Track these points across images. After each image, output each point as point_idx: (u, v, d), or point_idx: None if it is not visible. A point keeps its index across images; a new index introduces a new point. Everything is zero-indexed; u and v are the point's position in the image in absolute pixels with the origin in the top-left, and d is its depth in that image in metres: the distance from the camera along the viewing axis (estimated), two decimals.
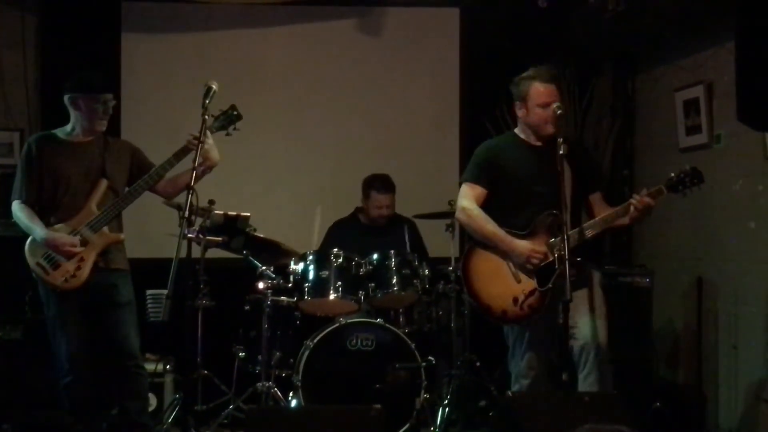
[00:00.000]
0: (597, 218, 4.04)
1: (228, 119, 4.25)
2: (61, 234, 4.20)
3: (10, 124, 5.83)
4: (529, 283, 4.00)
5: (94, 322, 4.33)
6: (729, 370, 4.90)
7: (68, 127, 4.40)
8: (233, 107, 4.27)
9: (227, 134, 4.25)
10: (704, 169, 5.04)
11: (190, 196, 3.79)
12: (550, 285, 3.95)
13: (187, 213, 3.73)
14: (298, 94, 6.08)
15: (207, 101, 3.94)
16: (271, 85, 6.07)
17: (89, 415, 4.34)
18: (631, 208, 3.93)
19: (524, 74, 4.13)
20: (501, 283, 4.03)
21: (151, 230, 4.56)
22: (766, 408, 4.58)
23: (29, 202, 4.29)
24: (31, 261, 4.24)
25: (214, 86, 3.97)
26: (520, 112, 4.12)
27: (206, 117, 3.92)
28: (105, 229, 4.26)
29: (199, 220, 4.34)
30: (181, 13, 5.99)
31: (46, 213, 4.28)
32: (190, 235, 3.75)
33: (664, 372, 5.47)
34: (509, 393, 4.04)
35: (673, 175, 3.93)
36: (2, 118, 5.83)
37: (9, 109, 5.83)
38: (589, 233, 3.98)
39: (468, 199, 4.11)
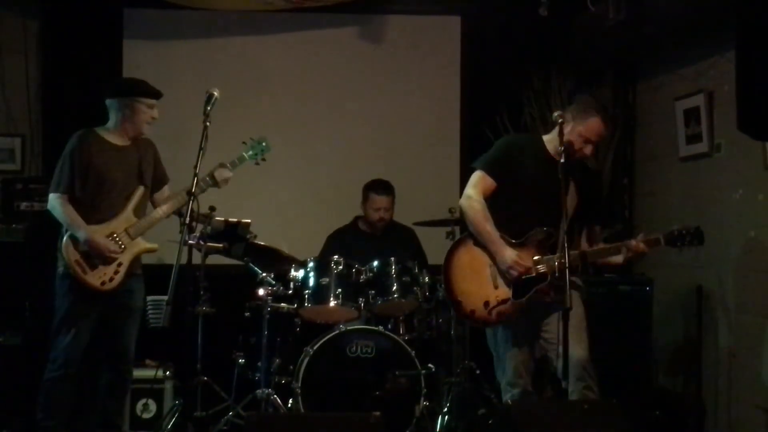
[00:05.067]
0: (594, 248, 4.02)
1: (261, 150, 4.57)
2: (106, 239, 4.22)
3: (11, 129, 5.84)
4: (505, 292, 3.99)
5: (102, 323, 4.37)
6: (728, 379, 4.89)
7: (110, 128, 4.38)
8: (263, 138, 4.60)
9: (256, 163, 4.58)
10: (705, 178, 5.09)
11: (191, 202, 3.79)
12: (523, 300, 3.95)
13: (188, 219, 3.74)
14: (298, 102, 6.09)
15: (208, 108, 3.94)
16: (272, 93, 6.09)
17: (61, 416, 4.32)
18: (624, 249, 3.92)
19: (593, 100, 4.12)
20: (478, 283, 4.04)
21: (152, 236, 4.55)
22: (765, 417, 4.57)
23: (69, 197, 4.28)
24: (70, 258, 4.22)
25: (215, 93, 3.97)
26: (566, 126, 3.93)
27: (207, 124, 3.92)
28: (140, 237, 4.34)
29: (199, 227, 4.34)
30: (183, 20, 6.00)
31: (83, 210, 4.26)
32: (190, 242, 3.76)
33: (663, 380, 5.47)
34: (508, 401, 4.05)
35: (675, 229, 3.90)
36: (4, 123, 5.84)
37: (11, 114, 5.85)
38: (584, 259, 3.97)
39: (476, 189, 4.08)
